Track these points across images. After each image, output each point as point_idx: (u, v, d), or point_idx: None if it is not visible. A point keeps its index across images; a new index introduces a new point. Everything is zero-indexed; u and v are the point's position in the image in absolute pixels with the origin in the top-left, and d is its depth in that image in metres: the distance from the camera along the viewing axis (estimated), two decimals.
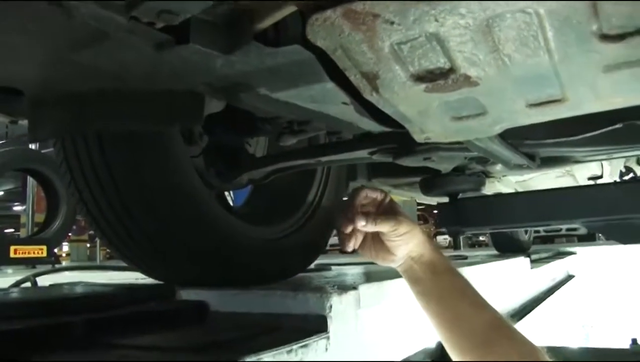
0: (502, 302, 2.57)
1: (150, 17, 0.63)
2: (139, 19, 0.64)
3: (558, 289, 3.76)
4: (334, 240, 1.37)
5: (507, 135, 1.24)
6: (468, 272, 2.03)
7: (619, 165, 2.33)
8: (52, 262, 5.92)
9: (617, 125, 1.25)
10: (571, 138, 1.32)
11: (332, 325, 1.06)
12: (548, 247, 6.86)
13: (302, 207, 1.69)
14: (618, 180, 2.35)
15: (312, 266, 1.90)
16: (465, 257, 3.49)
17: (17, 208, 10.57)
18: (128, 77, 0.83)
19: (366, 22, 0.66)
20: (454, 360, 1.04)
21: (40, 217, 7.46)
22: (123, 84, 0.87)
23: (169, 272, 1.44)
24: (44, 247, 6.14)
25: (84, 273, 2.93)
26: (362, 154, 1.42)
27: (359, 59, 0.73)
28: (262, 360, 0.83)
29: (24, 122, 1.09)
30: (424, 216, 13.58)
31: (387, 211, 1.07)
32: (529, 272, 3.29)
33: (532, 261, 3.50)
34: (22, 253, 5.86)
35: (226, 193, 1.83)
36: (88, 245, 10.90)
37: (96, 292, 1.18)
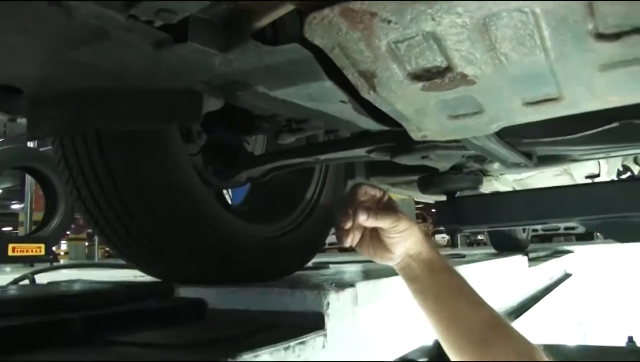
0: (500, 300, 2.58)
1: (148, 15, 0.64)
2: (137, 18, 0.64)
3: (555, 287, 3.77)
4: (332, 238, 1.37)
5: (504, 134, 1.25)
6: (465, 271, 2.03)
7: (617, 164, 2.34)
8: (50, 260, 5.92)
9: (614, 124, 1.26)
10: (568, 137, 1.33)
11: (329, 322, 1.06)
12: (546, 246, 6.88)
13: (300, 205, 1.69)
14: (615, 179, 2.35)
15: (310, 264, 1.90)
16: (463, 256, 3.49)
17: (15, 206, 10.56)
18: (127, 75, 0.84)
19: (363, 20, 0.66)
20: (451, 358, 1.05)
21: (38, 216, 7.46)
22: (122, 83, 0.87)
23: (168, 270, 1.45)
24: (42, 246, 6.13)
25: (82, 271, 2.93)
26: (360, 152, 1.43)
27: (357, 57, 0.73)
28: (259, 357, 0.83)
29: (22, 121, 1.10)
30: (422, 214, 13.60)
31: (386, 208, 1.08)
32: (526, 271, 3.29)
33: (529, 260, 3.51)
34: (20, 251, 5.85)
35: (225, 191, 1.83)
36: (86, 243, 10.90)
37: (94, 289, 1.18)
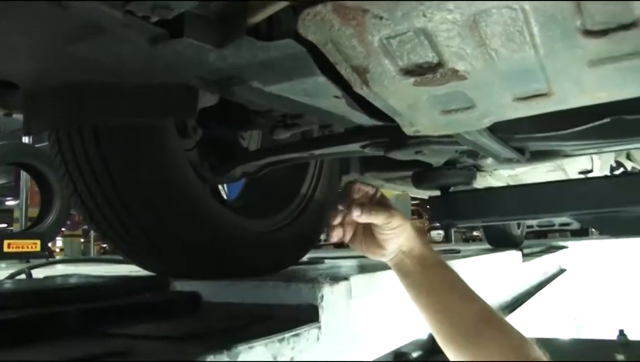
0: (494, 295, 2.60)
1: (145, 11, 0.65)
2: (134, 13, 0.65)
3: (550, 282, 3.79)
4: None
5: (496, 129, 1.26)
6: (460, 265, 2.05)
7: (610, 159, 2.35)
8: (46, 256, 5.90)
9: (605, 120, 1.27)
10: (560, 132, 1.34)
11: (323, 315, 1.08)
12: (541, 242, 6.91)
13: (295, 200, 1.70)
14: (608, 174, 2.37)
15: (305, 259, 1.91)
16: (458, 251, 3.51)
17: (10, 203, 10.53)
18: (123, 70, 0.84)
19: (356, 17, 0.67)
20: (445, 352, 1.06)
21: (33, 212, 7.44)
22: (118, 78, 0.88)
23: (164, 265, 1.46)
24: (38, 242, 6.12)
25: (79, 266, 2.94)
26: (355, 147, 1.44)
27: (349, 53, 0.75)
28: (254, 348, 0.85)
29: (17, 117, 1.11)
30: (418, 210, 13.62)
31: (379, 205, 1.09)
32: (520, 266, 3.31)
33: (524, 255, 3.53)
34: (16, 247, 5.83)
35: (220, 186, 1.84)
36: (82, 240, 10.88)
37: (90, 283, 1.19)
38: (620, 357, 1.78)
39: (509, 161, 1.52)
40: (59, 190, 6.59)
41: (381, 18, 0.67)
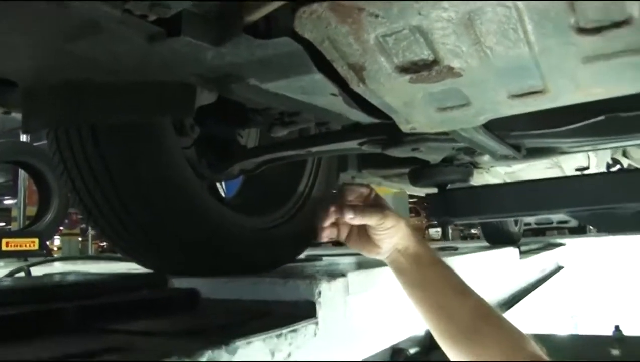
0: (491, 291, 2.60)
1: (142, 9, 0.65)
2: (131, 12, 0.66)
3: (547, 279, 3.81)
4: None
5: (493, 126, 1.27)
6: (457, 262, 2.06)
7: (606, 156, 2.37)
8: (44, 255, 5.91)
9: (600, 117, 1.28)
10: (555, 129, 1.35)
11: (321, 311, 1.08)
12: (539, 239, 6.92)
13: (292, 198, 1.71)
14: (605, 171, 2.38)
15: (303, 256, 1.92)
16: (456, 249, 3.52)
17: (8, 201, 10.52)
18: (121, 69, 0.85)
19: (352, 15, 0.68)
20: (442, 348, 1.07)
21: (31, 211, 7.43)
22: (116, 76, 0.89)
23: (163, 262, 1.46)
24: (36, 240, 6.11)
25: (78, 265, 2.94)
26: (352, 144, 1.44)
27: (346, 50, 0.75)
28: (252, 344, 0.85)
29: (15, 115, 1.11)
30: (416, 208, 13.63)
31: (373, 205, 1.10)
32: (518, 263, 3.32)
33: (521, 252, 3.54)
34: (14, 246, 5.83)
35: (218, 184, 1.84)
36: (80, 239, 10.88)
37: (88, 280, 1.19)
38: (615, 352, 1.80)
39: (505, 158, 1.53)
40: (56, 188, 6.58)
41: (377, 16, 0.68)
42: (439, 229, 12.87)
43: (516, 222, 4.34)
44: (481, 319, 1.04)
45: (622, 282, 4.29)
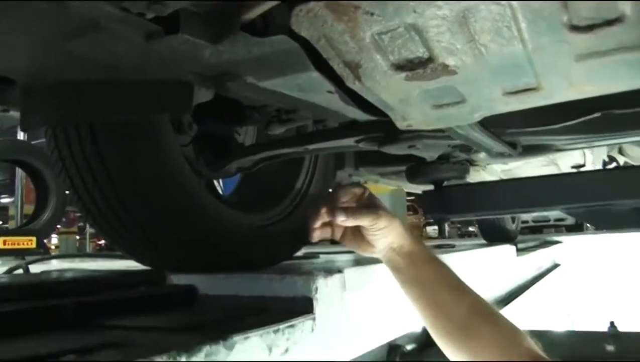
0: (488, 288, 2.61)
1: (140, 8, 0.66)
2: (129, 10, 0.66)
3: (544, 277, 3.82)
4: None
5: (488, 123, 1.28)
6: (454, 259, 2.07)
7: (602, 154, 2.38)
8: (42, 253, 5.91)
9: (595, 115, 1.29)
10: (551, 127, 1.36)
11: (318, 307, 1.09)
12: (536, 237, 6.94)
13: (290, 195, 1.72)
14: (600, 168, 2.40)
15: (300, 254, 1.92)
16: (453, 246, 3.53)
17: (5, 200, 10.50)
18: (119, 67, 0.86)
19: (348, 13, 0.69)
20: (439, 345, 1.08)
21: (29, 209, 7.43)
22: (114, 74, 0.89)
23: (161, 260, 1.47)
24: (34, 238, 6.12)
25: (76, 262, 2.95)
26: (349, 142, 1.45)
27: (342, 48, 0.76)
28: (250, 339, 0.86)
29: (13, 114, 1.11)
30: (413, 206, 13.64)
31: (367, 206, 1.11)
32: (514, 260, 3.33)
33: (518, 250, 3.55)
34: (12, 244, 5.84)
35: (215, 181, 1.85)
36: (77, 237, 10.87)
37: (88, 277, 1.20)
38: (610, 348, 1.81)
39: (501, 155, 1.53)
40: (54, 187, 6.58)
41: (372, 14, 0.68)
42: (436, 227, 12.88)
43: (513, 220, 4.35)
44: (477, 315, 1.05)
45: (618, 279, 4.30)
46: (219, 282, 1.22)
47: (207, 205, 1.41)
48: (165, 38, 0.73)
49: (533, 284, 3.47)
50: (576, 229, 9.47)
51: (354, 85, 0.85)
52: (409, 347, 1.72)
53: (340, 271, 1.22)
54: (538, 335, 1.01)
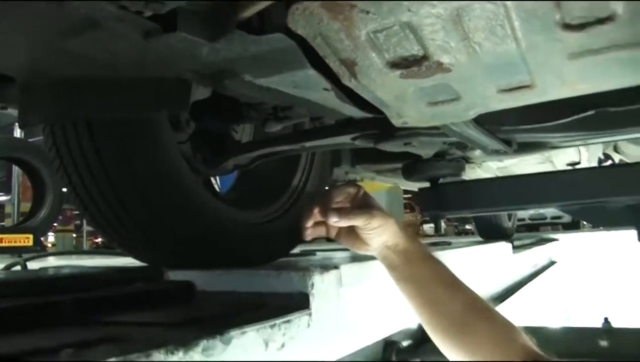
0: (484, 285, 2.63)
1: (138, 6, 0.67)
2: (127, 8, 0.67)
3: (540, 274, 3.84)
4: None
5: (484, 121, 1.29)
6: (449, 256, 2.08)
7: (597, 151, 2.39)
8: (39, 251, 5.90)
9: (590, 112, 1.30)
10: (546, 124, 1.37)
11: (314, 302, 1.10)
12: (532, 234, 6.97)
13: (286, 193, 1.73)
14: (595, 166, 2.41)
15: (297, 251, 1.93)
16: (449, 243, 3.55)
17: (2, 198, 10.47)
18: (117, 64, 0.86)
19: (343, 11, 0.70)
20: (435, 342, 1.09)
21: (25, 207, 7.41)
22: (112, 72, 0.90)
23: (159, 257, 1.47)
24: (30, 236, 6.11)
25: (73, 259, 2.95)
26: (345, 139, 1.46)
27: (338, 46, 0.77)
28: (246, 333, 0.87)
29: (10, 111, 1.12)
30: (410, 204, 13.64)
31: (361, 205, 1.11)
32: (511, 257, 3.35)
33: (514, 247, 3.57)
34: (8, 242, 5.83)
35: (212, 179, 1.86)
36: (74, 235, 10.85)
37: (85, 273, 1.20)
38: (603, 343, 1.83)
39: (496, 153, 1.54)
40: (51, 185, 6.56)
41: (368, 13, 0.69)
42: (433, 225, 12.89)
43: (509, 218, 4.37)
44: (472, 312, 1.06)
45: (613, 276, 4.33)
46: (216, 279, 1.23)
47: (204, 202, 1.41)
48: (163, 36, 0.73)
49: (529, 281, 3.49)
50: (573, 227, 9.49)
51: (350, 83, 0.86)
52: (405, 343, 1.73)
53: (336, 267, 1.23)
54: (532, 331, 1.03)
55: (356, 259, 1.47)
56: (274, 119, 1.46)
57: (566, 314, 4.35)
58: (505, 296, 2.90)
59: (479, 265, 2.58)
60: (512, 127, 1.41)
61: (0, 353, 0.68)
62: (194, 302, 1.09)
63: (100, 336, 0.78)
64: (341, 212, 1.07)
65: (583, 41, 0.73)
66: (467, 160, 1.75)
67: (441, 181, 1.78)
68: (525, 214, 9.78)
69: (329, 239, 1.20)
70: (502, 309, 2.30)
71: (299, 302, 1.08)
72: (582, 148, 2.16)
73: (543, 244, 4.60)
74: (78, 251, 6.20)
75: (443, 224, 11.09)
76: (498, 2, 0.66)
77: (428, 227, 13.68)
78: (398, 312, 1.48)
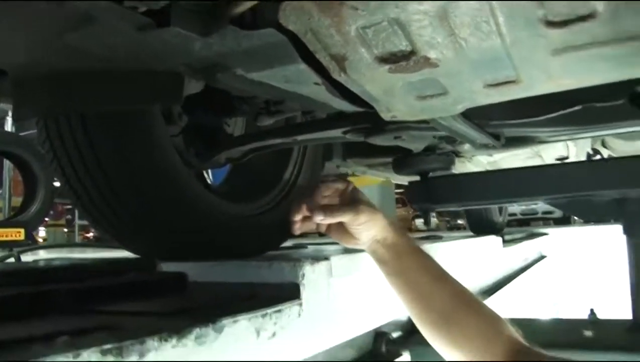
0: (473, 278, 2.66)
1: (133, 1, 0.68)
2: (122, 3, 0.68)
3: (530, 268, 3.87)
4: None
5: (472, 115, 1.31)
6: (440, 249, 2.10)
7: (586, 146, 2.42)
8: (30, 244, 5.89)
9: (577, 107, 1.32)
10: (533, 119, 1.39)
11: (304, 292, 1.12)
12: (523, 229, 7.01)
13: (278, 186, 1.74)
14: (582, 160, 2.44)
15: (290, 244, 1.95)
16: (441, 237, 3.58)
17: None
18: (112, 58, 0.88)
19: (333, 8, 0.71)
20: (423, 334, 1.11)
21: (17, 201, 7.39)
22: (106, 65, 0.91)
23: (151, 249, 1.49)
24: (22, 230, 6.09)
25: (65, 253, 2.96)
26: (336, 133, 1.47)
27: (328, 41, 0.78)
28: (238, 322, 0.89)
29: (0, 105, 1.13)
30: (402, 199, 13.67)
31: (349, 200, 1.13)
32: (501, 251, 3.38)
33: (504, 241, 3.60)
34: (0, 236, 5.82)
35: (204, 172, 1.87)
36: (65, 230, 10.82)
37: (79, 264, 1.22)
38: (588, 333, 1.86)
39: (485, 147, 1.56)
40: (42, 179, 6.54)
41: (357, 9, 0.71)
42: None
43: (500, 212, 4.40)
44: (459, 304, 1.07)
45: (601, 269, 4.37)
46: (208, 270, 1.25)
47: (197, 195, 1.43)
48: (157, 31, 0.75)
49: (519, 274, 3.52)
50: (564, 222, 9.55)
51: (340, 77, 0.88)
52: (394, 334, 1.75)
53: (327, 258, 1.25)
54: (519, 323, 1.05)
55: (347, 250, 1.49)
56: (266, 112, 1.48)
57: (555, 307, 4.40)
58: (495, 289, 2.93)
59: (469, 258, 2.60)
60: (500, 121, 1.43)
61: None
62: (186, 292, 1.11)
63: (95, 324, 0.79)
64: (327, 209, 1.08)
65: (566, 37, 0.75)
66: (457, 154, 1.77)
67: (431, 174, 1.80)
68: (517, 209, 9.84)
69: (321, 234, 1.21)
70: (492, 302, 2.34)
71: (290, 292, 1.10)
72: (570, 143, 2.19)
73: (533, 239, 4.64)
74: (70, 243, 6.18)
75: (435, 219, 11.13)
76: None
77: (420, 222, 13.72)
78: (388, 304, 1.50)
